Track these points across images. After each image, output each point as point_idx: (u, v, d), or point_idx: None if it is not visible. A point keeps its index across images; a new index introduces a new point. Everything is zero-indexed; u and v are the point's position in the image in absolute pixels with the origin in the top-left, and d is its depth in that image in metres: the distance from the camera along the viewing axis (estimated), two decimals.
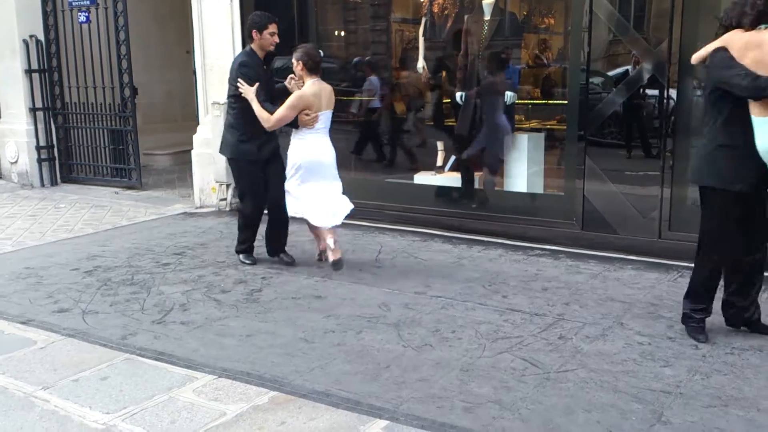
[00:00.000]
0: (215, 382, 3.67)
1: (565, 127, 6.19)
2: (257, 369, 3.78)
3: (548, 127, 7.44)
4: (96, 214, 7.64)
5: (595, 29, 5.76)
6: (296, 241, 6.25)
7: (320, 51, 5.52)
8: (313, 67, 5.29)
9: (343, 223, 6.87)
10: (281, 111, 5.23)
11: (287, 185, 5.43)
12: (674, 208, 5.66)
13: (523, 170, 6.90)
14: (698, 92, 5.49)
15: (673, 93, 5.48)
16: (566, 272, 5.34)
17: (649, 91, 5.85)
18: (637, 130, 6.06)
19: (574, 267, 5.47)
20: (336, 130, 5.98)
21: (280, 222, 5.66)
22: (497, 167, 7.16)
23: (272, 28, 5.45)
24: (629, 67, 5.89)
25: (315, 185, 5.36)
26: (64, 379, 3.74)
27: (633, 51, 5.80)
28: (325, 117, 5.33)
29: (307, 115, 5.25)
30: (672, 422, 3.18)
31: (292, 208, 5.45)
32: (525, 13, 8.11)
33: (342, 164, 7.79)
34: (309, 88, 5.27)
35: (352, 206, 5.47)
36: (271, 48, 5.54)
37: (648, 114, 5.98)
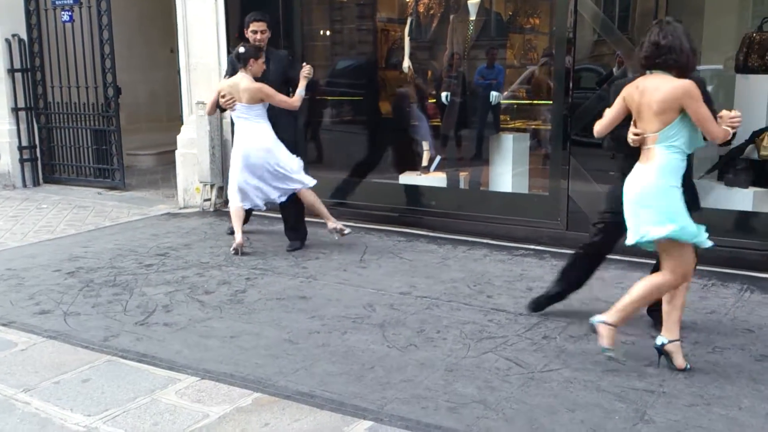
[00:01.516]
0: (198, 383, 3.64)
1: (549, 127, 6.21)
2: (241, 370, 3.76)
3: (533, 127, 7.47)
4: (78, 215, 7.58)
5: (579, 30, 5.78)
6: (282, 240, 6.24)
7: (240, 48, 5.75)
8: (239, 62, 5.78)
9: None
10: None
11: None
12: None
13: (507, 170, 6.91)
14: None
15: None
16: (551, 272, 5.34)
17: None
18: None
19: (559, 267, 5.46)
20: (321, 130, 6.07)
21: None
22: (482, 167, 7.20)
23: (254, 26, 5.93)
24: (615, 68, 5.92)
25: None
26: (46, 381, 3.70)
27: (617, 51, 5.82)
28: (239, 106, 5.75)
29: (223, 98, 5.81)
30: (655, 421, 3.19)
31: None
32: (510, 13, 8.13)
33: (328, 164, 7.82)
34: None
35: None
36: (257, 45, 5.78)
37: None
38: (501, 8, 7.89)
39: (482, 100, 7.12)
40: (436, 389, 3.51)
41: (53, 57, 8.94)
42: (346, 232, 6.02)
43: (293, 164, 5.87)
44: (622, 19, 6.00)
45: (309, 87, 6.07)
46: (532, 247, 5.98)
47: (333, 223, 6.01)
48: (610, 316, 3.70)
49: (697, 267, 5.25)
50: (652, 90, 3.53)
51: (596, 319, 3.73)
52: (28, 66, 9.10)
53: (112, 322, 4.46)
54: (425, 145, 7.64)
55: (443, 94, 7.18)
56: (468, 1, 7.05)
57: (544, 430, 3.14)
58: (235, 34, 7.18)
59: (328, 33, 8.50)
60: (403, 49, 7.65)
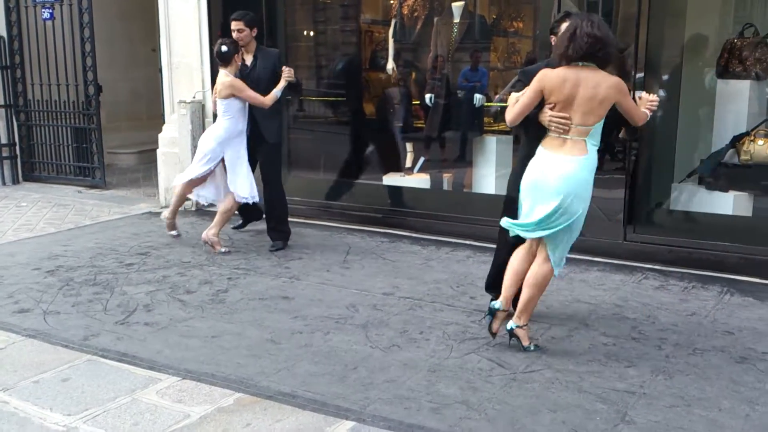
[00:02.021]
0: (179, 383, 3.62)
1: None
2: (222, 370, 3.74)
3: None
4: (58, 213, 7.51)
5: None
6: (265, 240, 6.22)
7: (222, 47, 5.72)
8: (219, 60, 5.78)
9: (311, 223, 6.91)
10: None
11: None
12: (639, 210, 5.73)
13: (491, 172, 6.93)
14: (663, 94, 5.57)
15: (639, 95, 5.54)
16: None
17: None
18: (602, 132, 6.12)
19: None
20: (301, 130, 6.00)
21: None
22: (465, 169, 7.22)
23: (233, 24, 5.91)
24: None
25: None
26: (25, 380, 3.66)
27: None
28: (217, 101, 5.83)
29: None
30: (636, 422, 3.21)
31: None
32: (494, 16, 8.15)
33: (311, 165, 7.80)
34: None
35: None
36: (240, 42, 5.87)
37: (614, 117, 6.09)
38: (485, 11, 7.91)
39: (466, 102, 7.14)
40: (418, 390, 3.51)
41: (33, 54, 8.85)
42: (221, 250, 5.89)
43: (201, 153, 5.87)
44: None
45: (293, 90, 6.08)
46: None
47: (211, 237, 5.90)
48: (521, 319, 3.92)
49: (676, 269, 5.38)
50: (594, 84, 3.62)
51: (510, 325, 3.93)
52: (8, 63, 8.99)
53: (93, 322, 4.41)
54: (409, 147, 7.65)
55: (427, 96, 7.19)
56: (452, 4, 7.06)
57: (526, 431, 3.14)
58: (217, 32, 7.15)
59: (311, 33, 8.48)
60: (387, 50, 7.65)
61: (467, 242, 6.20)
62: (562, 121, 3.66)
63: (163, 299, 4.81)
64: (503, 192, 6.71)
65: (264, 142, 5.94)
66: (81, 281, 5.18)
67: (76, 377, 3.68)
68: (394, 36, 7.59)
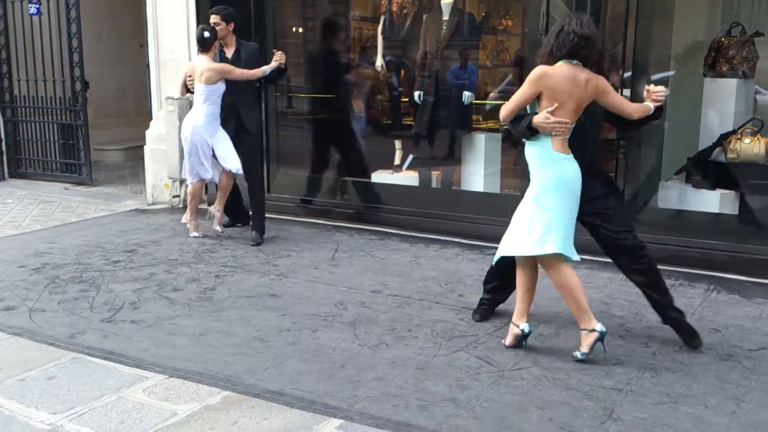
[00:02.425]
0: (166, 381, 3.60)
1: None
2: (210, 368, 3.72)
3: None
4: (44, 210, 7.46)
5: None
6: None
7: (205, 32, 5.86)
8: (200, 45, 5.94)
9: (300, 220, 6.90)
10: None
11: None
12: (627, 208, 5.74)
13: (480, 169, 6.93)
14: None
15: (627, 94, 5.55)
16: None
17: None
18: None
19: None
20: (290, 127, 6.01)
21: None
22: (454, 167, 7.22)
23: (211, 18, 6.07)
24: None
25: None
26: (10, 378, 3.63)
27: None
28: (197, 87, 5.93)
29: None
30: (623, 419, 3.23)
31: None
32: (483, 14, 8.15)
33: (299, 162, 7.78)
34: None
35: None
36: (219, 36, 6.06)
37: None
38: (474, 9, 7.91)
39: (455, 99, 7.14)
40: (407, 387, 3.51)
41: (20, 50, 8.79)
42: (216, 227, 6.26)
43: (221, 151, 6.04)
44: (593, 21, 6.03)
45: (277, 77, 6.19)
46: None
47: (216, 213, 6.24)
48: (588, 322, 3.78)
49: (663, 267, 5.40)
50: (584, 83, 3.65)
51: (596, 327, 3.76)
52: None
53: (79, 319, 4.39)
54: (398, 144, 7.65)
55: (416, 94, 7.19)
56: (441, 1, 7.06)
57: (514, 428, 3.15)
58: None
59: (300, 30, 8.46)
60: (376, 47, 7.64)
61: (456, 240, 6.20)
62: (565, 126, 3.67)
63: (149, 297, 4.79)
64: (492, 189, 6.82)
65: (246, 134, 6.08)
66: (67, 279, 5.15)
67: (62, 375, 3.66)
68: (383, 33, 7.58)
